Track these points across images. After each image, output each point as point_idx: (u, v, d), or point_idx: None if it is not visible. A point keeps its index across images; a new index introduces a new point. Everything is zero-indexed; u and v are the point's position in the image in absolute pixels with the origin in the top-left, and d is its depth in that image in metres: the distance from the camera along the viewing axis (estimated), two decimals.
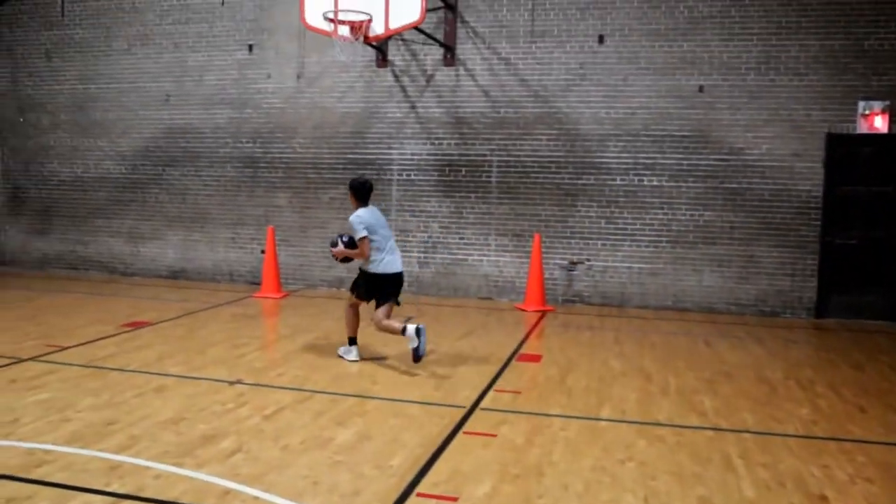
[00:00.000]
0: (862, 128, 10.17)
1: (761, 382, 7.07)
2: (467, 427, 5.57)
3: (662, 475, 4.73)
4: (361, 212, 7.38)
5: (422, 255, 11.61)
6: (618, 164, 10.86)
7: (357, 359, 7.53)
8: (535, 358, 7.83)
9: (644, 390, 6.70)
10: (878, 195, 10.24)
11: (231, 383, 6.57)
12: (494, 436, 5.38)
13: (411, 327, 7.00)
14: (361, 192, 7.48)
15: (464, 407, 6.06)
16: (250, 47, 12.25)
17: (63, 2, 13.19)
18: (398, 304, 7.55)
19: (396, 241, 11.46)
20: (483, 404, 6.17)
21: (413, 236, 11.62)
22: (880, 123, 10.10)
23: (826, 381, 7.19)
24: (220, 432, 5.30)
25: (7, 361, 7.10)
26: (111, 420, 5.50)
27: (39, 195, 13.62)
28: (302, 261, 12.14)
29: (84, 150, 13.26)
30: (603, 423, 5.77)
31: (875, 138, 10.16)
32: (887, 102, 10.05)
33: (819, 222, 10.33)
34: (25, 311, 9.71)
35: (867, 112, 10.13)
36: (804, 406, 6.35)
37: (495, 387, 6.70)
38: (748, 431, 5.63)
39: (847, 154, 10.29)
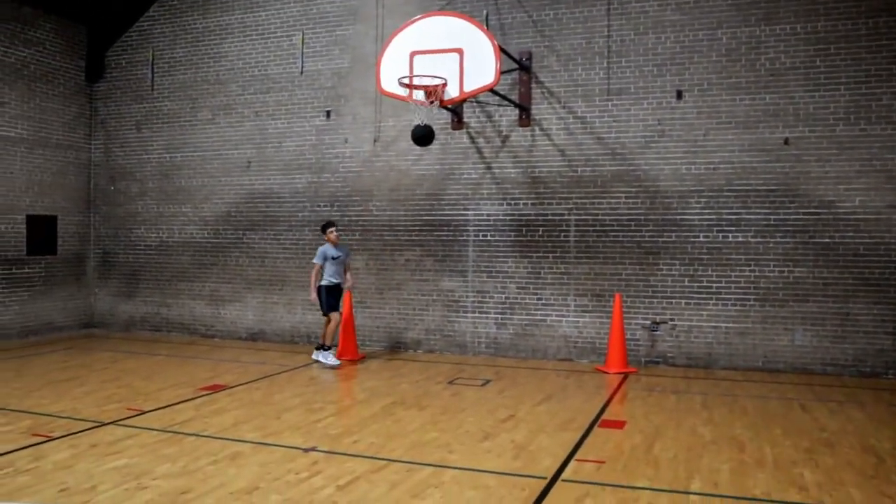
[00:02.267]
0: None
1: (867, 452, 6.54)
2: (548, 501, 5.28)
3: None
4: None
5: (499, 316, 11.41)
6: (700, 220, 10.51)
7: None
8: (619, 424, 7.47)
9: (737, 461, 6.27)
10: None
11: (306, 451, 6.45)
12: None
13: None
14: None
15: (545, 478, 5.77)
16: (328, 114, 12.50)
17: (153, 77, 13.78)
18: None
19: (474, 301, 11.39)
20: (565, 475, 5.86)
21: (490, 297, 11.45)
22: None
23: None
24: None
25: (90, 425, 7.18)
26: (185, 489, 5.43)
27: (127, 259, 14.06)
28: (379, 322, 12.09)
29: (169, 216, 13.67)
30: (694, 497, 5.39)
31: None
32: None
33: None
34: (110, 374, 9.90)
35: None
36: None
37: (577, 456, 6.38)
38: None
39: None
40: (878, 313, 9.86)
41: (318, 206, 12.54)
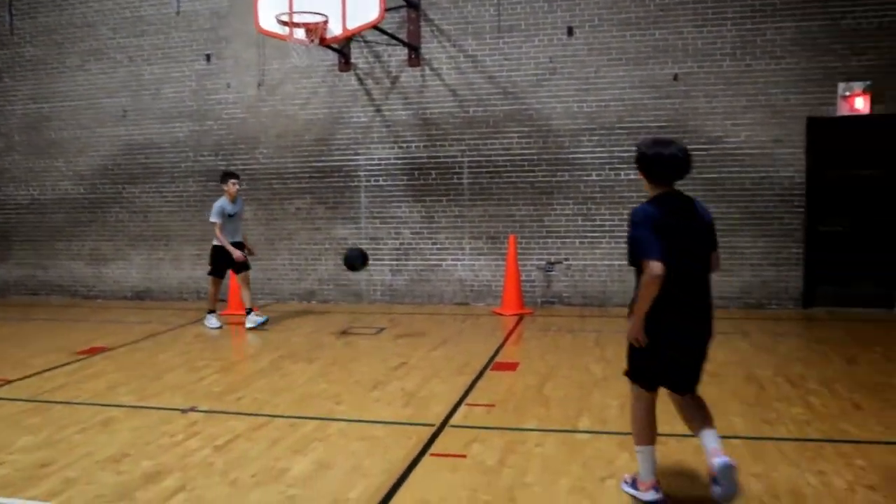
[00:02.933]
0: (843, 110, 9.84)
1: (750, 381, 6.68)
2: (435, 448, 5.14)
3: None
4: None
5: (394, 262, 11.20)
6: (593, 159, 10.49)
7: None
8: (512, 366, 7.42)
9: (626, 396, 6.24)
10: (863, 179, 9.92)
11: (184, 411, 6.11)
12: (464, 457, 4.96)
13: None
14: None
15: (433, 425, 5.63)
16: (208, 57, 11.82)
17: (11, 19, 12.71)
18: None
19: (366, 248, 11.09)
20: (454, 420, 5.74)
21: (384, 244, 11.21)
22: (861, 105, 9.77)
23: (818, 376, 6.81)
24: (165, 469, 4.85)
25: None
26: (47, 461, 5.03)
27: None
28: (270, 274, 11.71)
29: (40, 172, 12.77)
30: (582, 435, 5.36)
31: (857, 120, 9.84)
32: (868, 82, 9.73)
33: (803, 209, 10.00)
34: None
35: (847, 94, 9.81)
36: (796, 405, 5.96)
37: (468, 400, 6.28)
38: (738, 437, 5.23)
39: (829, 138, 9.96)
40: (763, 246, 10.12)
41: (202, 155, 11.94)
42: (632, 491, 4.29)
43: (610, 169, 10.44)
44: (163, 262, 12.22)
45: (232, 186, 9.48)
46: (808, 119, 9.90)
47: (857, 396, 6.14)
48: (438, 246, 11.03)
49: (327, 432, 5.53)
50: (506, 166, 10.73)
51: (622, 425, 5.53)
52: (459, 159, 10.88)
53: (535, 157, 10.60)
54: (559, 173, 10.57)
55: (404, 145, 11.07)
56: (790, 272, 10.07)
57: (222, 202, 9.46)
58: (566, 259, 10.62)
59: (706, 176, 10.17)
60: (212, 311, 9.80)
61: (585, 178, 10.50)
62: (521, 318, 9.98)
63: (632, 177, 10.39)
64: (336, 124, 11.32)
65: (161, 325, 10.01)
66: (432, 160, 10.93)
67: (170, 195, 12.12)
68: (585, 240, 10.56)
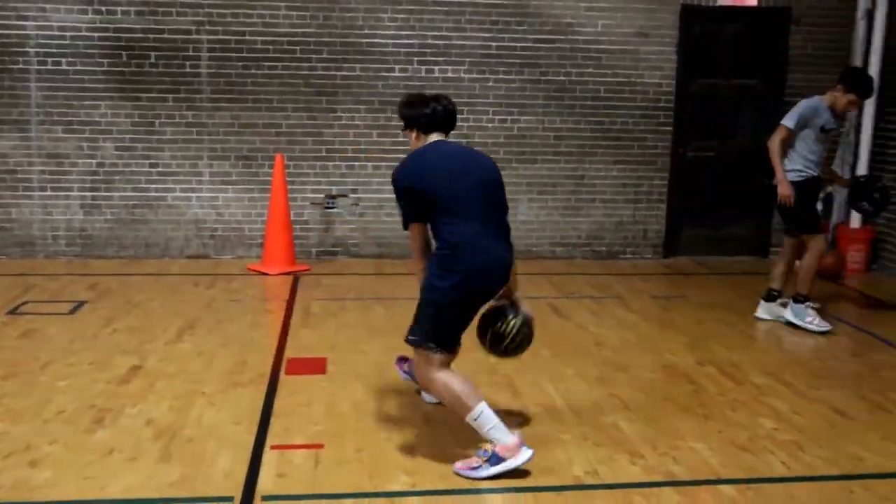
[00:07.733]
0: None
1: (675, 377, 5.65)
2: None
3: None
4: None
5: (89, 194, 8.94)
6: (396, 46, 9.03)
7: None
8: (318, 364, 5.74)
9: (546, 406, 4.87)
10: (741, 90, 9.50)
11: None
12: None
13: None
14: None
15: (228, 500, 3.78)
16: None
17: None
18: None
19: (44, 173, 8.93)
20: (262, 487, 3.93)
21: (71, 164, 8.88)
22: None
23: (754, 361, 5.98)
24: None
25: None
26: None
27: None
28: None
29: None
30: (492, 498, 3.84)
31: (741, 13, 9.37)
32: None
33: (670, 128, 9.36)
34: None
35: None
36: (761, 413, 4.97)
37: (271, 437, 4.51)
38: (722, 481, 4.02)
39: (706, 34, 9.36)
40: (619, 176, 9.41)
41: None
42: (497, 469, 3.99)
43: (420, 62, 9.02)
44: None
45: (844, 97, 6.65)
46: (683, 7, 9.24)
47: (827, 393, 5.29)
48: (161, 169, 8.98)
49: None
50: (267, 51, 8.90)
51: (572, 472, 4.08)
52: (195, 36, 8.83)
53: (313, 39, 8.90)
54: (348, 64, 9.00)
55: (104, 8, 8.74)
56: (650, 211, 9.48)
57: (816, 102, 6.68)
58: (354, 192, 9.13)
59: (550, 79, 9.21)
60: (805, 298, 6.83)
61: (386, 73, 9.04)
62: (295, 278, 8.26)
63: (448, 74, 9.01)
64: None
65: None
66: (151, 35, 8.75)
67: None
68: (382, 163, 9.12)
